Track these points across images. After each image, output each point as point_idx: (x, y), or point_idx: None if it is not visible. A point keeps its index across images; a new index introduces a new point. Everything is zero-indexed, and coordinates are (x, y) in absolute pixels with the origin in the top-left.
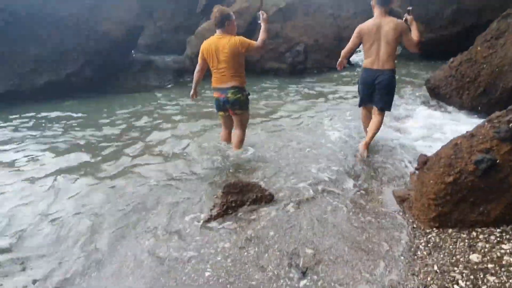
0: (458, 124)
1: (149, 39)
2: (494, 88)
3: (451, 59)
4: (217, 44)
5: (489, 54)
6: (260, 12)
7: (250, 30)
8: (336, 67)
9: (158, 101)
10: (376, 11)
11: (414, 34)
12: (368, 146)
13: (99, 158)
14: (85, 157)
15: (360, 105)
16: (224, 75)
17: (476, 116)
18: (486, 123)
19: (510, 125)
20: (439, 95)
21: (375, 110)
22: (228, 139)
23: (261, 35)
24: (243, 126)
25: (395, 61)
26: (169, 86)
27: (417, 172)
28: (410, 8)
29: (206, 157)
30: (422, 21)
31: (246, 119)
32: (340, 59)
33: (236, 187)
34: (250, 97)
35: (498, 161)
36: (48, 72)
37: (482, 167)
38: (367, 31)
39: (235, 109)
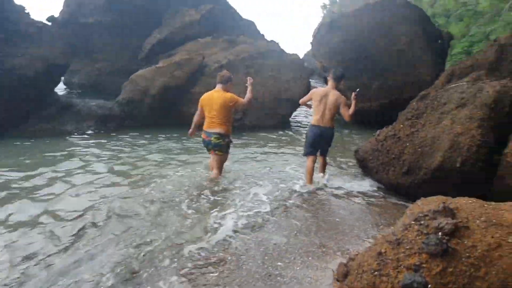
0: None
1: (85, 79)
2: (417, 168)
3: (378, 132)
4: (213, 97)
5: (411, 132)
6: (248, 78)
7: (190, 82)
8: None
9: (70, 150)
10: (329, 83)
11: (352, 109)
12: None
13: None
14: None
15: (305, 155)
16: (213, 122)
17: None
18: (413, 223)
19: (440, 234)
20: (367, 168)
21: (320, 156)
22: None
23: (248, 95)
24: (219, 165)
25: (334, 119)
26: (88, 133)
27: (338, 283)
28: (358, 90)
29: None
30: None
31: (223, 160)
32: (300, 102)
33: None
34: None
35: (430, 286)
36: None
37: None
38: (316, 95)
39: (215, 150)
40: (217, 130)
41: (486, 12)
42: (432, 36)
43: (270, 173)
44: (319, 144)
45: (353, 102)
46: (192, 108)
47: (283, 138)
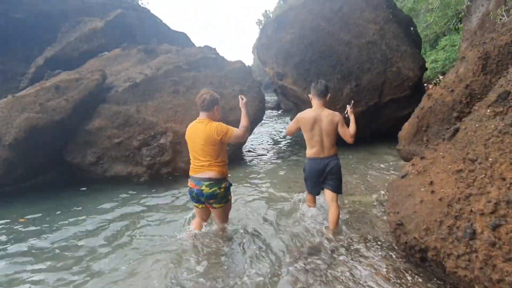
0: None
1: None
2: None
3: (409, 169)
4: (196, 129)
5: None
6: (239, 96)
7: (82, 114)
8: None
9: None
10: (314, 103)
11: (352, 127)
12: (332, 232)
13: None
14: None
15: (309, 192)
16: (200, 164)
17: None
18: None
19: None
20: (441, 269)
21: (329, 197)
22: (200, 227)
23: (242, 121)
24: (224, 219)
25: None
26: None
27: None
28: (352, 101)
29: None
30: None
31: (226, 212)
32: (286, 133)
33: None
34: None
35: None
36: None
37: None
38: (304, 122)
39: (211, 203)
40: (208, 174)
41: (415, 10)
42: (403, 23)
43: None
44: (324, 179)
45: (351, 118)
46: (88, 154)
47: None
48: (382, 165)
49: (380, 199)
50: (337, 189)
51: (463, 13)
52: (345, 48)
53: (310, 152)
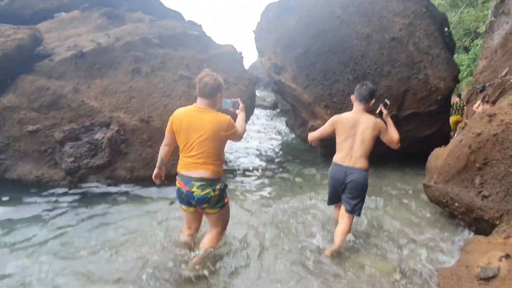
0: None
1: None
2: None
3: (508, 267)
4: (196, 118)
5: None
6: (237, 100)
7: None
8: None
9: None
10: (355, 106)
11: (393, 130)
12: (335, 252)
13: None
14: None
15: (329, 204)
16: (194, 159)
17: None
18: None
19: None
20: None
21: (343, 211)
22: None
23: (242, 124)
24: (219, 227)
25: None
26: None
27: None
28: (387, 101)
29: None
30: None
31: (223, 219)
32: (309, 138)
33: None
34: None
35: None
36: None
37: None
38: (342, 124)
39: (203, 208)
40: (200, 173)
41: None
42: (438, 21)
43: None
44: (343, 191)
45: (388, 122)
46: None
47: None
48: (399, 201)
49: (403, 268)
50: (352, 209)
51: (484, 29)
52: (363, 43)
53: (336, 156)
